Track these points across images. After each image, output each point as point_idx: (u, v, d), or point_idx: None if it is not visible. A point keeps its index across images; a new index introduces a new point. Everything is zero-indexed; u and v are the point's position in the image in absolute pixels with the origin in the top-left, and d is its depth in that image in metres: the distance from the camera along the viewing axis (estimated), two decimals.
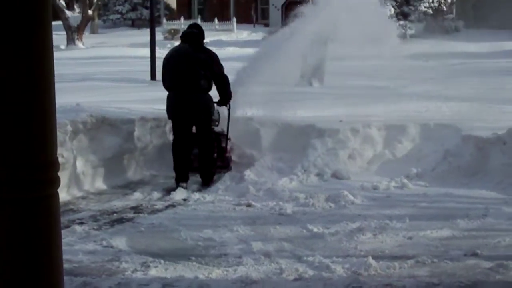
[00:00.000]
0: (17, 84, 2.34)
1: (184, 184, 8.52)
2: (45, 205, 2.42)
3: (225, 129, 9.34)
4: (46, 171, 2.41)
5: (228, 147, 9.33)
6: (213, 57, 8.76)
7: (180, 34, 9.31)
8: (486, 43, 30.05)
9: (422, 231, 6.50)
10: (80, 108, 9.22)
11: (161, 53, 14.00)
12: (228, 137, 9.33)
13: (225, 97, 8.99)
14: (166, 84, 8.73)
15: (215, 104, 8.97)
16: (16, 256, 2.40)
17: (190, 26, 9.12)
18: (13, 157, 2.36)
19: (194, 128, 8.84)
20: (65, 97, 10.13)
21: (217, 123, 9.31)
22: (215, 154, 9.03)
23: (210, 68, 8.64)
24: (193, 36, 8.76)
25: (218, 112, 9.37)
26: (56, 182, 2.46)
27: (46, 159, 2.41)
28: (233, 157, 9.46)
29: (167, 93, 8.78)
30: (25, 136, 2.36)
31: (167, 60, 8.76)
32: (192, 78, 8.53)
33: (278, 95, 10.46)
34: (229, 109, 9.34)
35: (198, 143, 8.83)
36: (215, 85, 8.80)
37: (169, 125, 9.28)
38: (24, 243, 2.39)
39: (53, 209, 2.46)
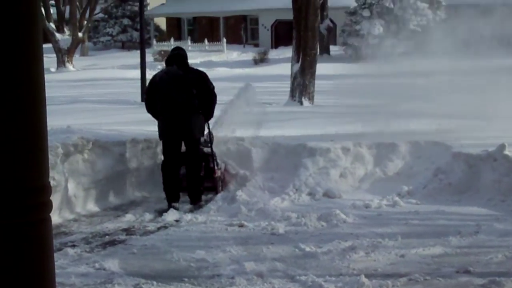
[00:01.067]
0: (8, 107, 2.34)
1: (176, 204, 8.52)
2: (38, 229, 2.41)
3: (211, 150, 9.27)
4: (39, 196, 2.40)
5: (220, 168, 9.30)
6: (203, 75, 8.88)
7: None
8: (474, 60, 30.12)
9: (414, 249, 6.51)
10: (71, 130, 9.22)
11: (152, 74, 14.02)
12: (215, 158, 9.27)
13: (209, 115, 9.01)
14: (158, 106, 8.76)
15: (207, 125, 9.03)
16: (9, 281, 2.39)
17: (176, 49, 9.22)
18: (5, 182, 2.35)
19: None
20: (55, 119, 10.11)
21: (209, 144, 9.30)
22: (203, 173, 9.03)
23: (201, 86, 8.74)
24: (182, 57, 8.89)
25: (212, 134, 9.37)
26: (48, 206, 2.46)
27: (38, 183, 2.40)
28: (226, 178, 9.43)
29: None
30: (16, 160, 2.36)
31: (157, 84, 8.81)
32: (187, 99, 8.64)
33: (269, 114, 10.47)
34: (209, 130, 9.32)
35: (187, 162, 8.85)
36: (203, 101, 8.79)
37: (160, 146, 9.27)
38: (16, 268, 2.39)
39: (45, 234, 2.45)
